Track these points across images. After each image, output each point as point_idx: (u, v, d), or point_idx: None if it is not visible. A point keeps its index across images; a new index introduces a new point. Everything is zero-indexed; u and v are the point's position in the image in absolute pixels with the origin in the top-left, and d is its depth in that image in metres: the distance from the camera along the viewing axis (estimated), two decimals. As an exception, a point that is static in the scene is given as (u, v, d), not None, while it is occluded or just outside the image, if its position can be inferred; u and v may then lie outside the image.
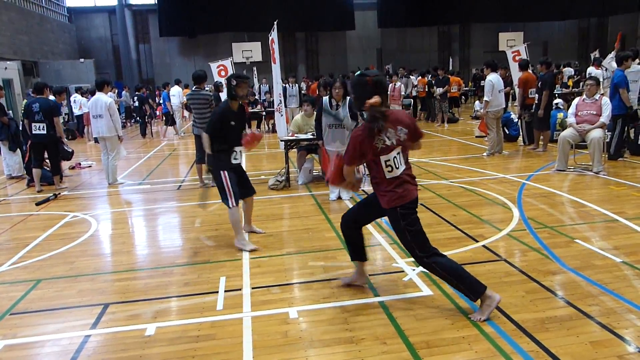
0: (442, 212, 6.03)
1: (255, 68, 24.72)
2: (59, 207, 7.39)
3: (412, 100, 16.81)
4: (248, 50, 29.32)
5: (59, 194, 8.13)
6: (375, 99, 3.33)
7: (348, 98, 6.50)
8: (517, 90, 12.82)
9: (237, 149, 5.07)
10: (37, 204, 7.53)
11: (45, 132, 8.38)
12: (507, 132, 11.26)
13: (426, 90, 16.62)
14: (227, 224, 5.98)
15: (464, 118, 17.04)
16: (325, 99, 6.63)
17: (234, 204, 5.01)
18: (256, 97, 17.59)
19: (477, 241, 4.96)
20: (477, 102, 17.77)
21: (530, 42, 16.78)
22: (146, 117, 17.03)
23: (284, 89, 15.02)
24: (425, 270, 3.67)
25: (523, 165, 8.75)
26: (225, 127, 4.94)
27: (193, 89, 8.14)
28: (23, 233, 6.16)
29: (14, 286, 4.47)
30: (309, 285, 4.13)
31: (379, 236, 5.26)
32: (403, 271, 4.31)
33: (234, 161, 5.07)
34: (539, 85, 9.54)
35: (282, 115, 8.68)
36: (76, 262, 5.08)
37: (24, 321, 3.77)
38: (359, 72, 3.56)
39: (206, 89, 8.32)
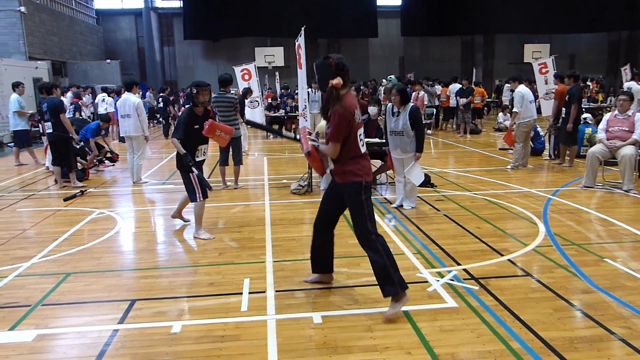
0: (465, 223, 5.99)
1: (277, 73, 24.89)
2: (86, 204, 7.53)
3: (434, 109, 16.73)
4: (270, 55, 29.50)
5: (86, 190, 8.28)
6: (338, 80, 3.60)
7: (410, 105, 6.37)
8: (542, 102, 12.79)
9: (201, 147, 5.70)
10: (65, 200, 7.68)
11: (52, 130, 8.61)
12: (533, 146, 11.13)
13: (449, 99, 16.55)
14: (250, 226, 6.06)
15: (486, 130, 16.92)
16: (390, 105, 6.56)
17: (201, 198, 5.57)
18: (278, 101, 17.64)
19: (502, 255, 4.92)
20: (500, 114, 17.66)
21: (557, 54, 16.57)
22: (169, 118, 17.26)
23: (308, 94, 15.08)
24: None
25: (549, 180, 8.65)
26: (190, 131, 5.48)
27: (218, 92, 8.24)
28: (52, 227, 6.29)
29: (44, 278, 4.57)
30: (333, 291, 4.14)
31: (402, 245, 5.25)
32: (427, 281, 4.30)
33: (197, 159, 5.65)
34: (567, 98, 9.45)
35: (306, 120, 8.72)
36: (103, 257, 5.17)
37: (55, 312, 3.86)
38: (324, 57, 3.71)
39: (231, 92, 8.40)
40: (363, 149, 3.76)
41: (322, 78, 3.70)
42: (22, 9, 18.91)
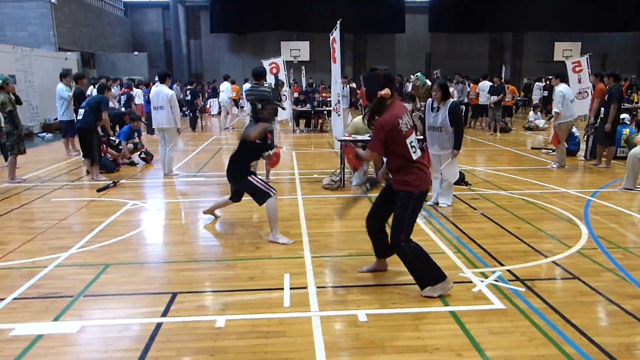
0: (504, 223, 5.86)
1: (304, 67, 24.83)
2: (119, 195, 7.57)
3: (464, 107, 16.46)
4: (296, 49, 29.46)
5: (118, 181, 8.34)
6: (386, 91, 3.69)
7: (450, 101, 6.26)
8: (575, 101, 12.47)
9: (254, 163, 5.55)
10: (98, 191, 7.75)
11: (80, 119, 8.74)
12: (567, 146, 10.87)
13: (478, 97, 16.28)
14: (285, 221, 6.01)
15: (516, 128, 16.61)
16: (430, 101, 6.45)
17: (273, 191, 5.31)
18: (305, 96, 17.56)
19: (545, 256, 4.78)
20: (531, 112, 17.32)
21: (590, 53, 16.15)
22: (197, 110, 17.34)
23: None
24: (492, 285, 3.57)
25: (586, 180, 8.42)
26: (252, 145, 5.40)
27: (253, 84, 8.19)
28: (88, 218, 6.34)
29: (84, 269, 4.59)
30: (375, 289, 4.07)
31: (442, 244, 5.15)
32: (471, 282, 4.19)
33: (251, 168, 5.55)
34: (607, 98, 9.18)
35: (339, 115, 8.64)
36: (140, 249, 5.19)
37: (97, 303, 3.87)
38: (371, 68, 3.86)
39: (265, 85, 8.36)
40: (415, 156, 3.79)
41: (370, 90, 3.80)
42: (53, -1, 19.19)
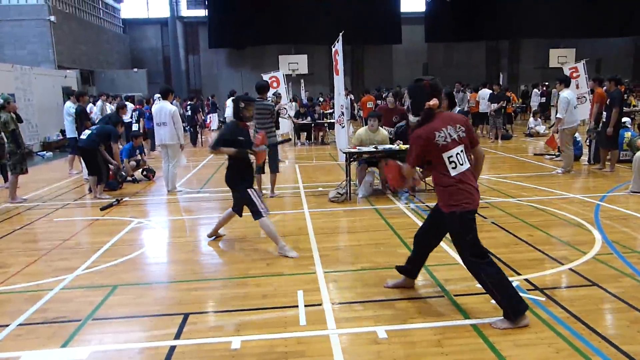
0: (516, 231, 5.77)
1: (302, 80, 24.85)
2: (122, 213, 7.48)
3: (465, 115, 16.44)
4: (294, 63, 29.45)
5: (121, 199, 8.25)
6: (434, 101, 3.57)
7: (457, 109, 6.34)
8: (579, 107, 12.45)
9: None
10: (102, 209, 7.65)
11: (84, 138, 8.66)
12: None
13: (478, 105, 16.27)
14: (293, 235, 5.92)
15: (517, 135, 16.57)
16: None
17: (267, 212, 5.32)
18: (305, 109, 17.54)
19: (562, 264, 4.69)
20: (531, 119, 17.30)
21: (587, 58, 16.18)
22: (197, 126, 17.29)
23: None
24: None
25: (592, 185, 8.35)
26: (235, 143, 5.31)
27: (257, 98, 8.14)
28: (92, 237, 6.24)
29: (91, 291, 4.48)
30: (392, 304, 3.96)
31: (455, 254, 5.03)
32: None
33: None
34: (608, 102, 9.15)
35: (342, 127, 8.59)
36: (147, 269, 5.09)
37: (106, 327, 3.76)
38: (415, 79, 3.81)
39: (268, 99, 8.31)
40: (454, 172, 3.53)
41: (417, 101, 3.68)
42: (52, 18, 19.22)
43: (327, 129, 16.82)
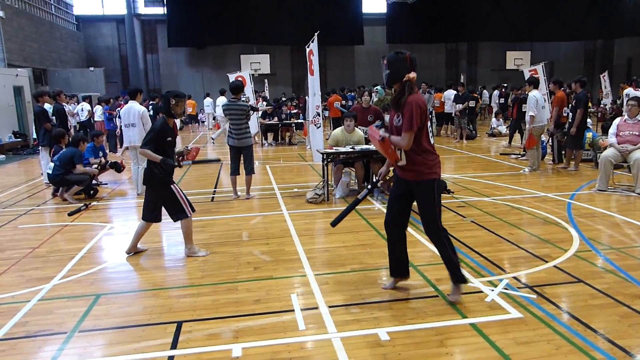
0: (496, 230, 5.88)
1: (266, 80, 24.68)
2: (92, 218, 7.19)
3: (432, 116, 16.71)
4: (256, 63, 29.23)
5: (90, 204, 7.93)
6: (414, 74, 3.72)
7: None
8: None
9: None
10: (70, 214, 7.32)
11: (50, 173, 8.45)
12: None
13: (444, 105, 16.59)
14: (277, 238, 5.84)
15: (479, 135, 16.98)
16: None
17: (191, 212, 5.21)
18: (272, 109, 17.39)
19: (546, 261, 4.81)
20: (493, 119, 17.78)
21: (538, 61, 16.76)
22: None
23: (305, 102, 14.93)
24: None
25: (560, 184, 8.63)
26: (162, 143, 5.09)
27: (230, 99, 8.00)
28: (64, 244, 5.95)
29: (72, 301, 4.26)
30: (388, 305, 3.95)
31: (442, 254, 5.09)
32: (481, 291, 4.15)
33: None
34: (574, 103, 9.49)
35: (318, 127, 8.53)
36: (128, 276, 4.89)
37: (96, 339, 3.57)
38: (395, 51, 3.83)
39: (242, 99, 8.17)
40: (432, 141, 3.85)
41: (395, 72, 3.73)
42: (1, 13, 18.29)
43: (295, 129, 16.74)
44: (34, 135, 10.94)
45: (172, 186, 5.13)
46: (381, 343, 3.36)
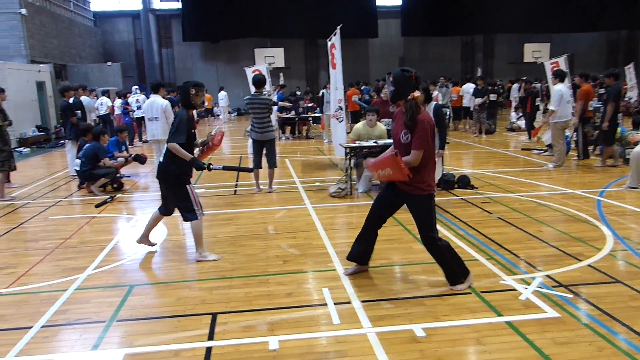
0: (525, 227, 5.83)
1: (282, 74, 24.65)
2: (119, 210, 7.28)
3: (449, 109, 16.57)
4: (270, 56, 29.18)
5: (115, 196, 8.01)
6: (418, 93, 3.86)
7: (434, 103, 6.48)
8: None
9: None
10: (97, 206, 7.41)
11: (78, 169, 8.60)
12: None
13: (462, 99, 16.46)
14: (303, 232, 5.86)
15: (498, 129, 16.82)
16: None
17: (202, 214, 5.00)
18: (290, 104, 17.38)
19: (579, 260, 4.75)
20: (513, 113, 17.59)
21: (557, 54, 16.49)
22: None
23: (322, 95, 14.90)
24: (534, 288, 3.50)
25: (586, 180, 8.50)
26: (188, 135, 4.88)
27: (253, 93, 8.02)
28: (94, 236, 6.03)
29: (107, 291, 4.33)
30: (420, 301, 3.95)
31: (471, 251, 5.07)
32: (514, 289, 4.11)
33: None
34: (605, 97, 9.31)
35: (340, 121, 8.52)
36: (160, 267, 4.95)
37: (133, 329, 3.63)
38: (401, 68, 3.94)
39: (264, 93, 8.18)
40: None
41: (400, 89, 3.87)
42: (23, 11, 18.46)
43: (312, 123, 16.74)
44: (53, 129, 11.06)
45: (187, 186, 4.91)
46: (417, 339, 3.35)
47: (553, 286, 4.16)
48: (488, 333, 3.42)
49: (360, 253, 4.45)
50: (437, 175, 6.91)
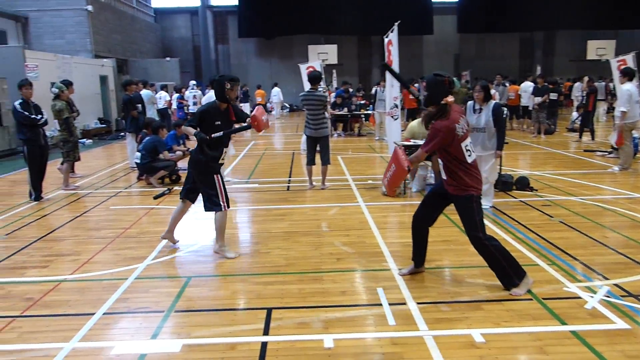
0: (589, 232, 5.56)
1: (334, 70, 24.63)
2: (176, 202, 7.38)
3: (505, 109, 16.02)
4: (324, 53, 29.15)
5: (172, 188, 8.24)
6: (452, 99, 3.83)
7: (493, 102, 6.31)
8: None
9: (225, 149, 5.04)
10: (155, 198, 7.64)
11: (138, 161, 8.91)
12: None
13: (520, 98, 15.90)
14: (356, 230, 5.82)
15: (559, 130, 16.14)
16: (470, 102, 6.41)
17: (227, 207, 4.96)
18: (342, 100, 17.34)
19: (650, 268, 4.48)
20: (574, 113, 16.84)
21: (624, 51, 15.56)
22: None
23: (375, 93, 14.77)
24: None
25: (656, 184, 8.03)
26: (211, 127, 4.82)
27: (308, 89, 8.04)
28: (153, 227, 6.22)
29: (166, 281, 4.46)
30: (478, 305, 3.83)
31: (532, 255, 4.88)
32: (579, 297, 3.92)
33: (220, 161, 5.02)
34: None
35: (395, 119, 8.41)
36: (216, 260, 5.03)
37: (191, 320, 3.71)
38: (434, 73, 3.94)
39: (320, 89, 8.18)
40: (470, 159, 3.92)
41: (434, 95, 3.86)
42: (89, 7, 19.34)
43: (364, 120, 16.64)
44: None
45: (215, 175, 4.90)
46: (476, 345, 3.26)
47: (622, 295, 3.94)
48: (551, 342, 3.28)
49: (415, 254, 4.42)
50: (495, 178, 6.76)
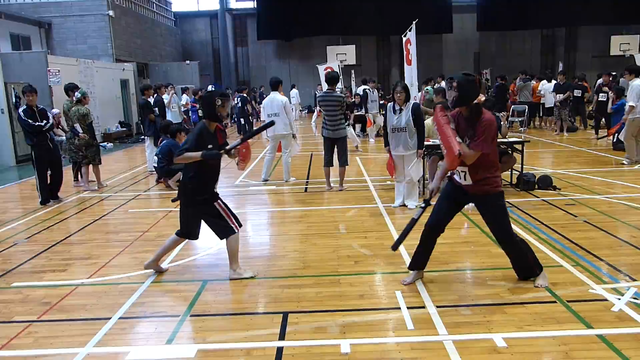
0: (616, 232, 5.38)
1: (353, 71, 24.53)
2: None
3: (526, 106, 15.75)
4: (342, 54, 29.14)
5: (190, 191, 8.25)
6: (483, 97, 3.93)
7: (412, 102, 6.52)
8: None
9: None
10: (173, 201, 7.62)
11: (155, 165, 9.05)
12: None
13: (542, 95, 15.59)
14: (374, 232, 5.74)
15: (580, 127, 15.77)
16: (390, 103, 6.58)
17: (238, 228, 4.46)
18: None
19: (681, 270, 4.31)
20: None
21: None
22: (249, 116, 17.27)
23: (365, 94, 14.55)
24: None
25: (684, 182, 7.76)
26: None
27: (325, 90, 7.98)
28: (170, 229, 6.15)
29: (181, 285, 4.44)
30: (500, 308, 3.72)
31: (555, 256, 4.74)
32: (606, 299, 3.78)
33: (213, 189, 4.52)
34: None
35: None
36: (233, 263, 4.99)
37: (206, 324, 3.68)
38: (463, 73, 3.86)
39: (337, 90, 8.11)
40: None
41: (466, 94, 3.78)
42: (111, 12, 19.61)
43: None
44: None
45: (215, 203, 4.42)
46: (498, 349, 3.15)
47: (651, 299, 3.79)
48: (577, 347, 3.16)
49: (421, 262, 4.35)
50: (418, 177, 6.86)
